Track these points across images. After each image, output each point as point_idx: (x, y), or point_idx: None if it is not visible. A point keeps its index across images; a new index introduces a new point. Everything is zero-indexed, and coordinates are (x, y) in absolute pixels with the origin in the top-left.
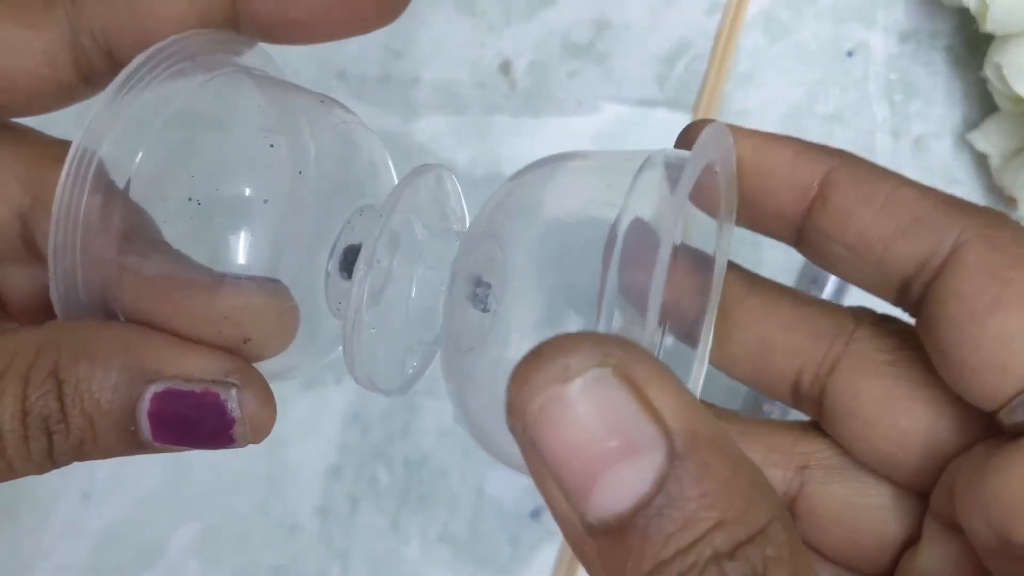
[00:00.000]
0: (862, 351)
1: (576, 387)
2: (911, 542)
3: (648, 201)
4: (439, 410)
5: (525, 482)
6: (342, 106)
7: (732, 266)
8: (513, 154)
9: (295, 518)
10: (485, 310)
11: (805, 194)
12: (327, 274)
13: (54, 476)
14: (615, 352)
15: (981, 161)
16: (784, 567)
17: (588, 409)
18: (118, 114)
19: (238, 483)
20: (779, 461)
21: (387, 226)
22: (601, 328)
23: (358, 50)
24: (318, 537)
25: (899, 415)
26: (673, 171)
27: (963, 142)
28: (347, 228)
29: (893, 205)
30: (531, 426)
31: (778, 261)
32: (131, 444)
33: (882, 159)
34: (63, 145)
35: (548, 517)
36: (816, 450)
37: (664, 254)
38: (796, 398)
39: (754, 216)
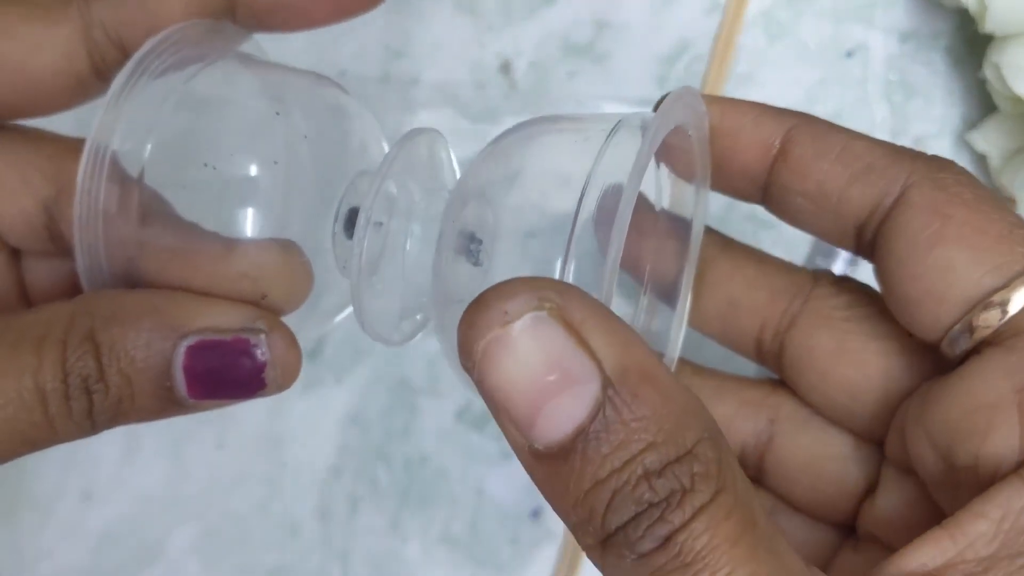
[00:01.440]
0: (818, 308)
1: (515, 329)
2: (871, 490)
3: (621, 158)
4: (439, 410)
5: (525, 482)
6: (336, 83)
7: (708, 230)
8: None
9: (295, 518)
10: (477, 264)
11: (767, 151)
12: (333, 235)
13: (54, 476)
14: (551, 295)
15: (980, 161)
16: (711, 481)
17: (527, 348)
18: (128, 102)
19: (238, 483)
20: (750, 414)
21: (383, 186)
22: (566, 275)
23: (358, 50)
24: (318, 537)
25: (849, 366)
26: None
27: (962, 142)
28: (349, 191)
29: (847, 156)
30: (478, 365)
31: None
32: (167, 402)
33: None
34: (80, 141)
35: (548, 517)
36: (784, 403)
37: (629, 197)
38: (760, 354)
39: (723, 175)
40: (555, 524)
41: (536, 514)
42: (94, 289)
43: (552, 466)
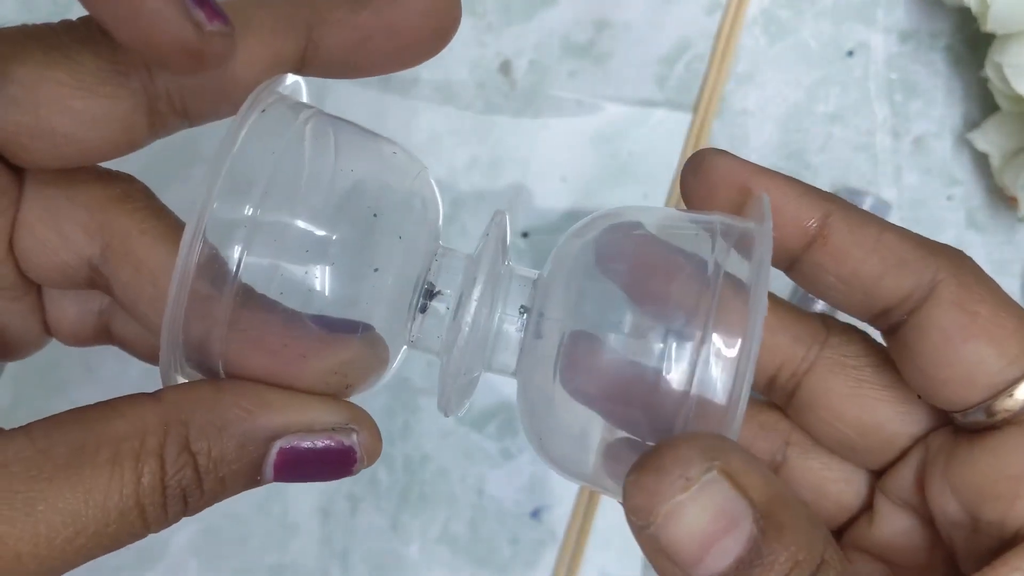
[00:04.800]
0: (833, 355)
1: (694, 492)
2: (863, 508)
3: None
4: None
5: (525, 482)
6: (406, 150)
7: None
8: (513, 154)
9: (295, 518)
10: (539, 337)
11: (805, 232)
12: (413, 312)
13: None
14: (718, 454)
15: (981, 160)
16: None
17: (703, 506)
18: (219, 192)
19: None
20: (769, 437)
21: (484, 282)
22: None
23: None
24: (318, 537)
25: (862, 409)
26: (733, 239)
27: (963, 142)
28: (429, 272)
29: (881, 248)
30: (656, 527)
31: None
32: (253, 485)
33: (882, 159)
34: (120, 183)
35: (548, 517)
36: (795, 428)
37: (746, 369)
38: (770, 388)
39: None
40: (555, 524)
41: (536, 514)
42: (177, 384)
43: None
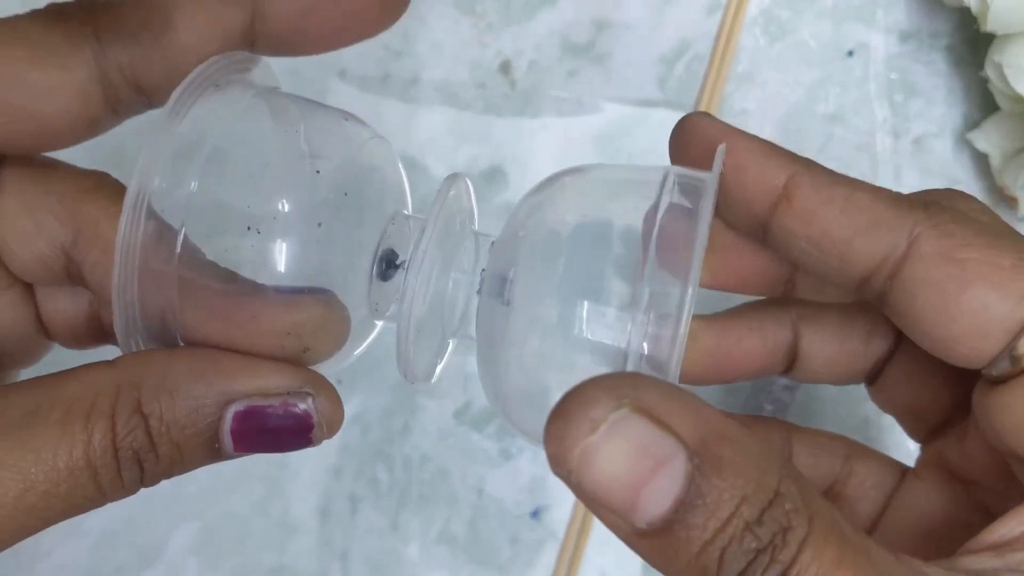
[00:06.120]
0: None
1: (603, 432)
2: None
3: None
4: (439, 410)
5: (525, 482)
6: (360, 120)
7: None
8: (513, 154)
9: (295, 518)
10: (506, 303)
11: (771, 192)
12: (371, 279)
13: None
14: (627, 391)
15: (981, 161)
16: (803, 513)
17: (618, 446)
18: (163, 156)
19: (238, 483)
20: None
21: (432, 237)
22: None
23: (358, 50)
24: (318, 537)
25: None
26: (685, 189)
27: (963, 142)
28: (385, 236)
29: (851, 208)
30: (575, 473)
31: None
32: (213, 457)
33: (882, 159)
34: (93, 176)
35: (548, 517)
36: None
37: (688, 297)
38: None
39: (725, 207)
40: (555, 524)
41: (536, 514)
42: (134, 351)
43: (657, 540)
